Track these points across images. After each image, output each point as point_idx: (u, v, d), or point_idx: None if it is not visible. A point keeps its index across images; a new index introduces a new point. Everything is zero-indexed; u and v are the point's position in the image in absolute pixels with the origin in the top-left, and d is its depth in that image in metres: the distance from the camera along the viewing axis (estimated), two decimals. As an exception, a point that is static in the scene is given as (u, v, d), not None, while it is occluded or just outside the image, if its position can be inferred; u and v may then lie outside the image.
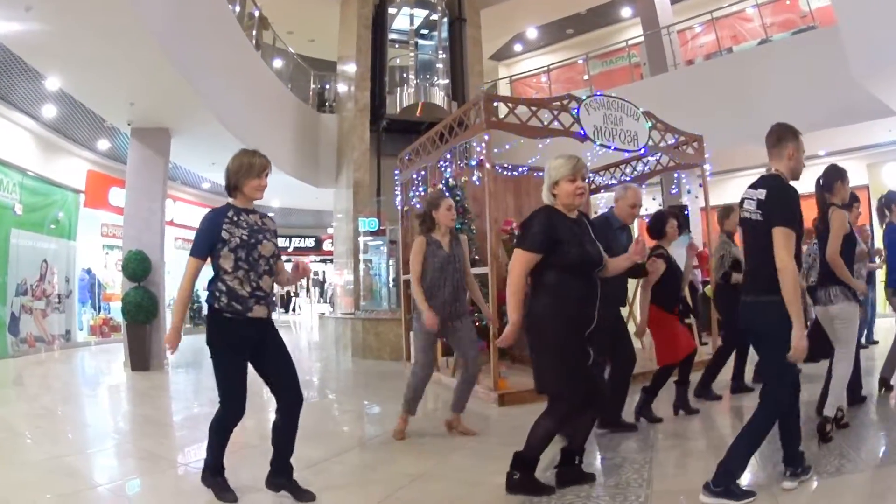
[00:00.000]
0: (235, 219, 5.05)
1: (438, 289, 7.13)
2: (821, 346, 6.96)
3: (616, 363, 7.25)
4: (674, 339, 7.77)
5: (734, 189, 21.32)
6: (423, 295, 7.15)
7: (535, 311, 5.08)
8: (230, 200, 5.20)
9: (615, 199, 7.40)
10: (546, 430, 5.12)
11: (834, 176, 6.84)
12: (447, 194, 12.37)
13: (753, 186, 5.14)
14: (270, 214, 5.38)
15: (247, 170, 5.08)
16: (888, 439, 6.58)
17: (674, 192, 15.07)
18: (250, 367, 5.14)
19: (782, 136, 5.10)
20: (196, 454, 6.74)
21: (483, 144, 10.04)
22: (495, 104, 10.32)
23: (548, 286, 5.06)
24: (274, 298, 5.35)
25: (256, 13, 18.94)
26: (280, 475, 5.18)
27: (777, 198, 4.90)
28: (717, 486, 4.73)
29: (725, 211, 9.40)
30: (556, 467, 5.45)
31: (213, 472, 5.18)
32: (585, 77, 23.77)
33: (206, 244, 5.00)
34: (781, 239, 4.73)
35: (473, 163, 12.99)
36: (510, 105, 10.44)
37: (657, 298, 7.72)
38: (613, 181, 14.61)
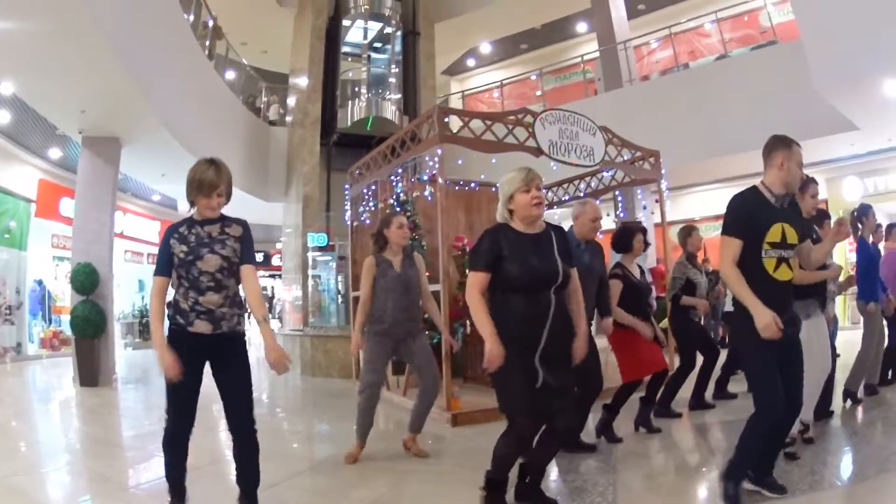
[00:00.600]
0: (185, 233, 4.83)
1: (387, 310, 6.96)
2: None
3: (581, 383, 7.07)
4: (635, 355, 7.59)
5: (689, 205, 21.49)
6: (362, 320, 7.13)
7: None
8: (191, 211, 4.99)
9: (574, 217, 7.25)
10: (502, 452, 4.96)
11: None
12: (399, 210, 12.23)
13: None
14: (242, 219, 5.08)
15: (196, 186, 4.81)
16: (857, 454, 6.54)
17: (621, 214, 14.96)
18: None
19: (773, 146, 5.08)
20: (145, 475, 6.66)
21: (435, 159, 9.83)
22: (448, 118, 10.08)
23: (492, 304, 4.91)
24: (227, 314, 4.85)
25: (211, 22, 18.74)
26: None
27: (730, 205, 5.01)
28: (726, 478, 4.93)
29: (686, 230, 9.30)
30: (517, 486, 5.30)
31: (174, 498, 4.95)
32: (539, 93, 23.80)
33: (164, 261, 4.83)
34: (721, 247, 4.91)
35: (424, 177, 12.78)
36: (464, 119, 10.26)
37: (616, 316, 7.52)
38: (567, 197, 14.51)
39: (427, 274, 12.12)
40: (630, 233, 7.99)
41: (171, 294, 4.89)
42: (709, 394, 9.36)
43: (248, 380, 4.96)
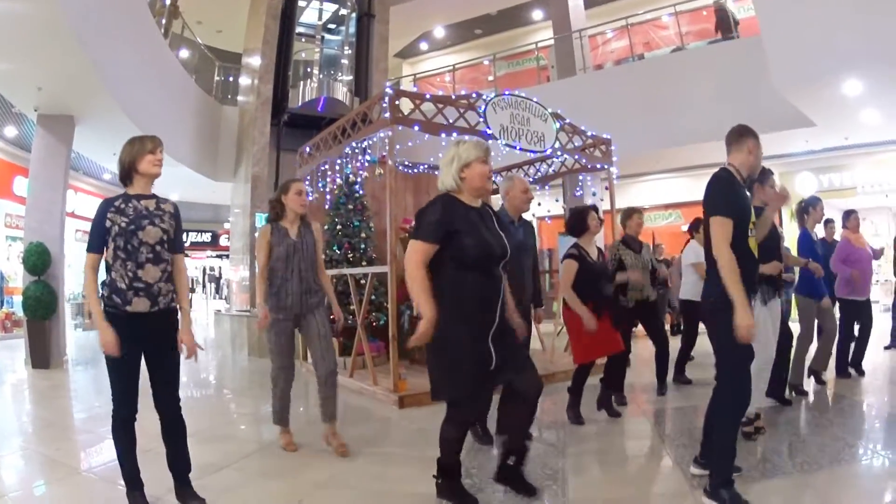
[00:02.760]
0: (122, 206, 4.75)
1: (286, 280, 6.59)
2: None
3: None
4: (586, 337, 7.39)
5: (637, 193, 21.63)
6: (263, 290, 6.71)
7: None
8: (126, 190, 4.92)
9: (504, 192, 7.19)
10: (448, 437, 4.86)
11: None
12: (346, 191, 12.11)
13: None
14: (172, 199, 5.08)
15: (139, 148, 4.81)
16: (810, 444, 6.48)
17: (577, 193, 14.98)
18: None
19: (743, 133, 5.29)
20: (97, 459, 6.60)
21: (386, 140, 9.78)
22: (399, 101, 10.00)
23: (443, 284, 4.62)
24: (163, 289, 4.82)
25: (168, 1, 18.44)
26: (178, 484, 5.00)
27: (710, 188, 5.03)
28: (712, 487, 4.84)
29: (627, 213, 9.23)
30: (498, 467, 5.25)
31: (129, 485, 4.87)
32: (491, 78, 23.78)
33: (97, 236, 4.72)
34: (714, 228, 4.83)
35: (374, 159, 12.72)
36: (416, 101, 10.21)
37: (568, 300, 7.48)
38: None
39: (374, 255, 12.18)
40: (582, 213, 7.83)
41: (103, 274, 4.84)
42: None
43: (177, 358, 4.96)
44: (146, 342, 4.77)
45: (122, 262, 4.68)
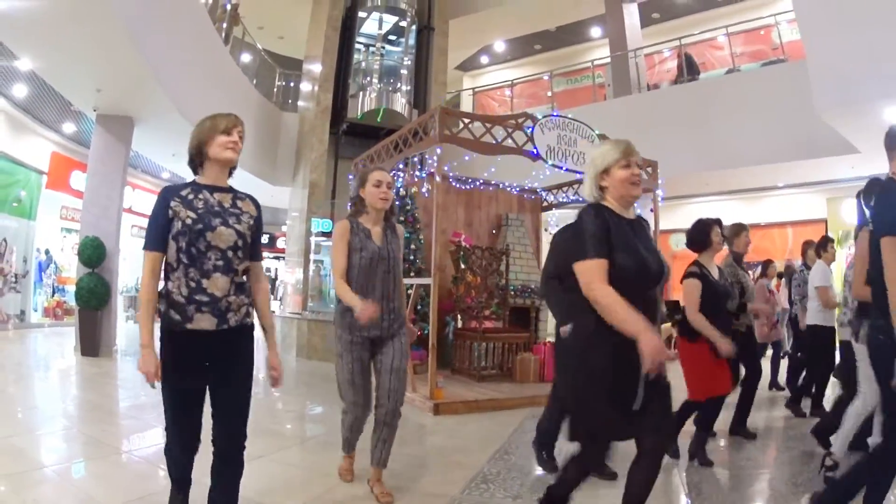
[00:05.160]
0: (190, 197, 3.93)
1: (366, 295, 5.28)
2: None
3: None
4: (707, 372, 6.53)
5: (684, 215, 21.57)
6: (349, 288, 5.34)
7: (568, 340, 4.09)
8: (196, 178, 4.13)
9: None
10: (566, 475, 4.25)
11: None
12: (398, 204, 12.34)
13: (865, 194, 4.78)
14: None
15: (210, 127, 4.05)
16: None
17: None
18: None
19: None
20: (139, 443, 6.89)
21: (434, 157, 10.07)
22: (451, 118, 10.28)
23: (587, 304, 3.79)
24: (233, 303, 3.95)
25: (228, 6, 18.89)
26: None
27: (881, 202, 4.31)
28: None
29: (735, 229, 8.15)
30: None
31: (176, 487, 4.28)
32: (549, 94, 23.88)
33: (157, 231, 3.88)
34: (886, 249, 4.02)
35: (424, 174, 13.01)
36: (465, 120, 10.46)
37: (683, 326, 6.69)
38: (565, 198, 14.81)
39: (421, 266, 12.39)
40: (706, 226, 6.95)
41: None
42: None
43: (248, 387, 4.08)
44: (212, 368, 3.93)
45: (184, 267, 3.83)
